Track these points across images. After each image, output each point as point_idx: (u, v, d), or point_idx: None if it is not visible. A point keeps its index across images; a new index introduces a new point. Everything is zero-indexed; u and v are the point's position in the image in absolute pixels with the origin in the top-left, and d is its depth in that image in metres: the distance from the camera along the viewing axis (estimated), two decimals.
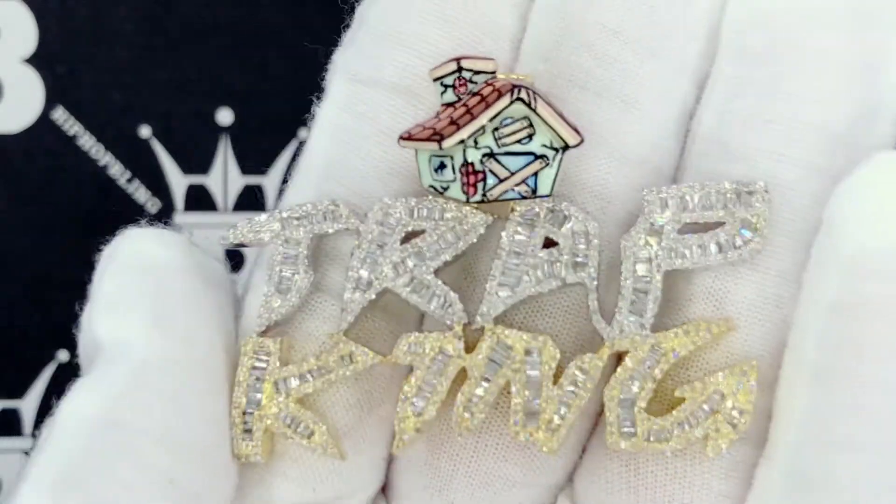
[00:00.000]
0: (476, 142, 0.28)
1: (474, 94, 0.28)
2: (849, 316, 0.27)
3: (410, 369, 0.30)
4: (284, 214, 0.30)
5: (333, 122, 0.31)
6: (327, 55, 0.33)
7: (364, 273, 0.29)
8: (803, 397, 0.27)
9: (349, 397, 0.31)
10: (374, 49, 0.30)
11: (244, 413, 0.30)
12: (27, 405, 0.50)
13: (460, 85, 0.28)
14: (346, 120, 0.30)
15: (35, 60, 0.49)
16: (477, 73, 0.28)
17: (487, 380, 0.29)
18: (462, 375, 0.30)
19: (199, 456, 0.28)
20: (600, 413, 0.30)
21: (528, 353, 0.29)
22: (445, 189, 0.29)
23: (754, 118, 0.29)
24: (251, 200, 0.51)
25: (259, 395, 0.30)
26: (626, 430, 0.29)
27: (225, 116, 0.50)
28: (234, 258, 0.49)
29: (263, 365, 0.30)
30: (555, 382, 0.29)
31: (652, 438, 0.29)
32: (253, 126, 0.50)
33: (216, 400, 0.29)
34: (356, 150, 0.30)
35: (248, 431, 0.30)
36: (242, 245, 0.30)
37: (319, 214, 0.30)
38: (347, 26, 0.34)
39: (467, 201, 0.28)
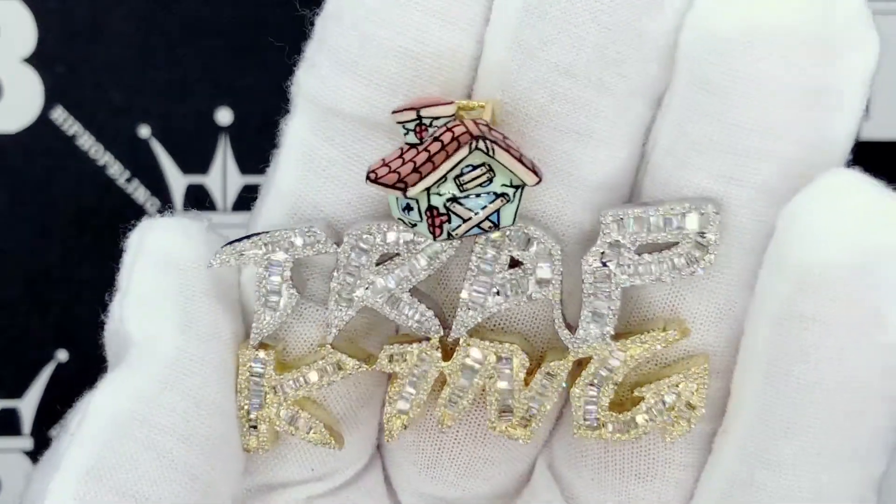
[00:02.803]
0: (439, 188, 0.29)
1: (435, 139, 0.29)
2: (794, 327, 0.30)
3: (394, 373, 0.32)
4: (266, 239, 0.31)
5: (302, 142, 0.32)
6: None
7: (345, 293, 0.31)
8: (756, 392, 0.31)
9: (343, 393, 0.33)
10: (334, 78, 0.31)
11: (249, 413, 0.32)
12: (26, 405, 0.50)
13: (421, 130, 0.30)
14: (315, 143, 0.32)
15: (34, 60, 0.49)
16: (436, 118, 0.29)
17: (464, 385, 0.32)
18: (442, 378, 0.32)
19: (216, 448, 0.31)
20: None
21: (499, 360, 0.32)
22: (414, 226, 0.30)
23: (706, 142, 0.30)
24: (250, 200, 0.51)
25: (260, 400, 0.32)
26: (591, 424, 0.32)
27: (224, 116, 0.50)
28: None
29: (260, 372, 0.32)
30: (525, 384, 0.32)
31: (615, 431, 0.32)
32: (252, 126, 0.50)
33: (228, 397, 0.32)
34: (327, 174, 0.32)
35: (254, 427, 0.33)
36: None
37: (299, 239, 0.31)
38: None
39: (434, 240, 0.30)
